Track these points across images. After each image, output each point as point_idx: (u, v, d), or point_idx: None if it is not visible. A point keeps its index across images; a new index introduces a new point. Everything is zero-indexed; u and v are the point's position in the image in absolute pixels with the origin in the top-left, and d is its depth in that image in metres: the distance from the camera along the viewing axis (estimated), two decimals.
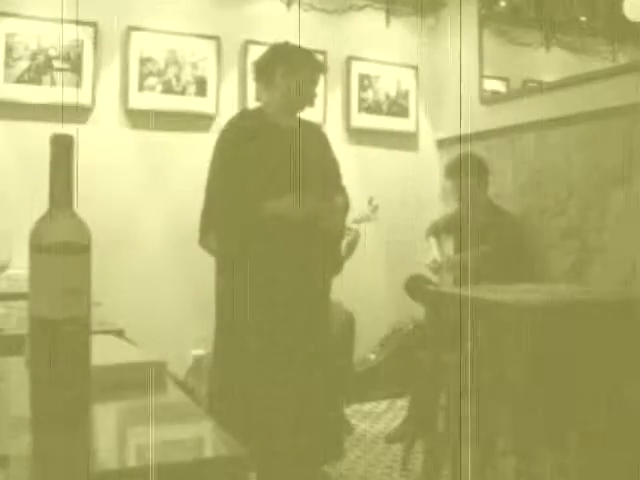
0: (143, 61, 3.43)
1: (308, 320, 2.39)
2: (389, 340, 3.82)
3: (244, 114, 2.68)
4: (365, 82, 4.01)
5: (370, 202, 3.16)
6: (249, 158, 2.34)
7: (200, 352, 3.24)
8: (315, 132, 2.62)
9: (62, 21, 3.20)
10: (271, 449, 2.24)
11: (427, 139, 4.21)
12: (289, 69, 2.45)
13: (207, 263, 2.51)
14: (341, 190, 2.59)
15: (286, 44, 2.53)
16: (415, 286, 3.12)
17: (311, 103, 2.54)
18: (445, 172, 3.36)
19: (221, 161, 2.39)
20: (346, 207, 2.59)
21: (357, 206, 2.87)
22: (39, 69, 3.21)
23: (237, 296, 2.36)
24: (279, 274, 2.32)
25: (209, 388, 2.50)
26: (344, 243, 2.74)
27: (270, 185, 2.32)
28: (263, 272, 2.32)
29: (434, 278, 3.34)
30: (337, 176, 2.60)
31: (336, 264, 2.59)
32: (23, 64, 3.18)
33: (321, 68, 2.57)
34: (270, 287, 2.32)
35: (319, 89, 2.60)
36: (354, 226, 2.86)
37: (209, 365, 2.60)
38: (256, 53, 3.38)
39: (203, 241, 2.43)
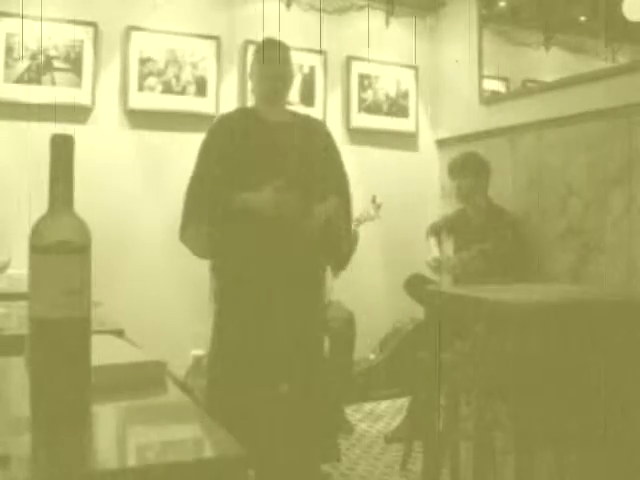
0: (143, 61, 3.43)
1: (297, 320, 2.35)
2: (389, 340, 3.82)
3: (237, 110, 2.69)
4: (365, 82, 4.01)
5: (373, 200, 3.15)
6: (228, 151, 2.36)
7: (200, 352, 3.24)
8: (312, 130, 2.53)
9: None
10: (270, 449, 2.24)
11: (427, 139, 4.21)
12: (251, 68, 2.53)
13: (206, 263, 2.51)
14: (342, 190, 2.48)
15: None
16: (415, 286, 3.11)
17: (273, 98, 2.45)
18: (448, 171, 3.36)
19: (203, 154, 2.41)
20: (341, 206, 2.43)
21: (358, 205, 2.86)
22: (39, 69, 3.21)
23: (225, 295, 2.37)
24: (260, 271, 2.30)
25: (207, 387, 2.50)
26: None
27: (246, 178, 2.31)
28: (246, 270, 2.31)
29: (434, 277, 3.34)
30: (338, 177, 2.50)
31: (338, 262, 2.56)
32: (23, 64, 3.18)
33: (271, 61, 2.41)
34: (253, 284, 2.31)
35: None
36: (353, 226, 2.84)
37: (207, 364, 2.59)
38: None
39: (182, 236, 2.39)
